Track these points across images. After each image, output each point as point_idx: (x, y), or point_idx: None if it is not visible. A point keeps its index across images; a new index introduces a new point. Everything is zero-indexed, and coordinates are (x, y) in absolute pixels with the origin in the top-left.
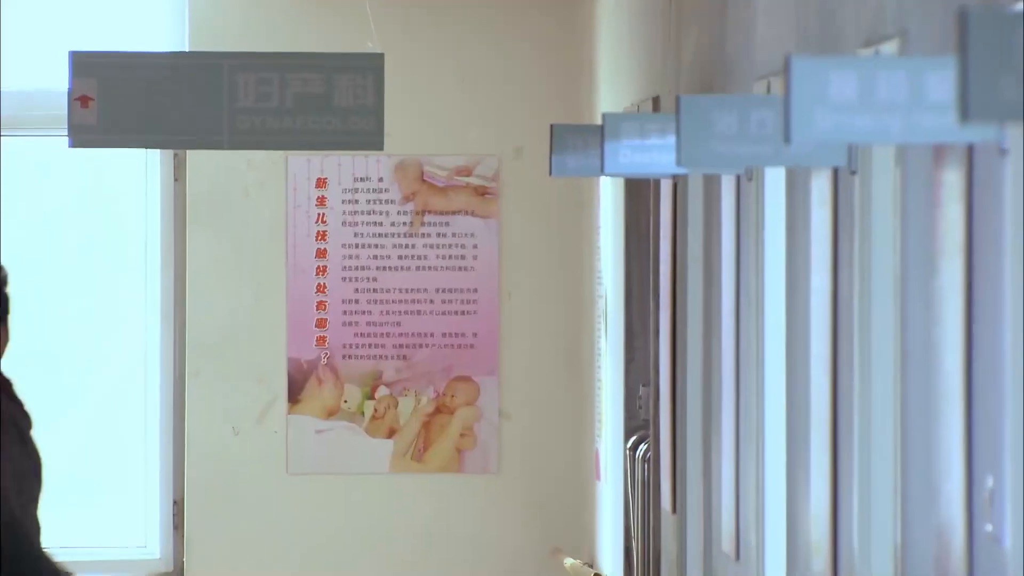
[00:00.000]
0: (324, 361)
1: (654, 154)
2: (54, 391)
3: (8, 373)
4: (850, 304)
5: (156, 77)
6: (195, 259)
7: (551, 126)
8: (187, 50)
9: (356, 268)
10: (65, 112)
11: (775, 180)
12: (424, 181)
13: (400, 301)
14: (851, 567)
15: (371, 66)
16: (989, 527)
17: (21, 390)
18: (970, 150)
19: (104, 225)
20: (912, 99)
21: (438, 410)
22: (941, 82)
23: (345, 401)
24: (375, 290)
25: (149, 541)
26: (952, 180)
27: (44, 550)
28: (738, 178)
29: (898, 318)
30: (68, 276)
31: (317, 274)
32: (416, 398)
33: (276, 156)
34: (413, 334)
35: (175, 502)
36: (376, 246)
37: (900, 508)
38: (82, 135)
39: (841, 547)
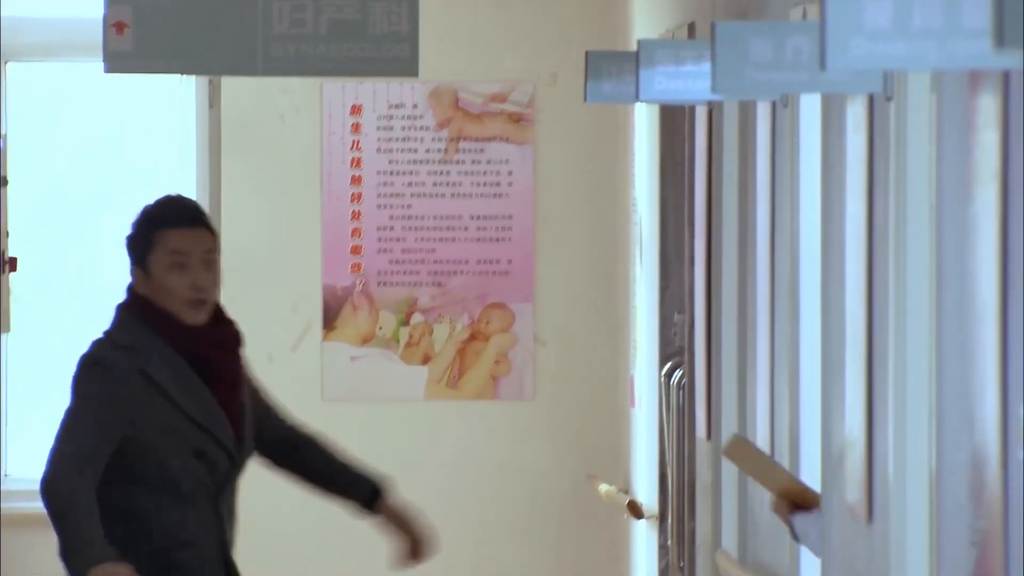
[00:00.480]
0: (359, 288)
1: (689, 81)
2: (88, 321)
3: (44, 299)
4: (885, 230)
5: (191, 3)
6: (229, 186)
7: (586, 53)
8: None
9: (391, 195)
10: (101, 39)
11: (810, 106)
12: (459, 108)
13: (435, 228)
14: (886, 493)
15: None
16: (1023, 454)
17: (57, 317)
18: (1006, 76)
19: (139, 152)
20: (947, 26)
21: (473, 337)
22: (977, 8)
23: (380, 328)
24: (410, 217)
25: None
26: (988, 106)
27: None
28: (773, 105)
29: (933, 244)
30: (103, 204)
31: (352, 201)
32: (451, 325)
33: (311, 83)
34: (448, 261)
35: None
36: (411, 173)
37: (935, 434)
38: (117, 61)
39: (876, 473)
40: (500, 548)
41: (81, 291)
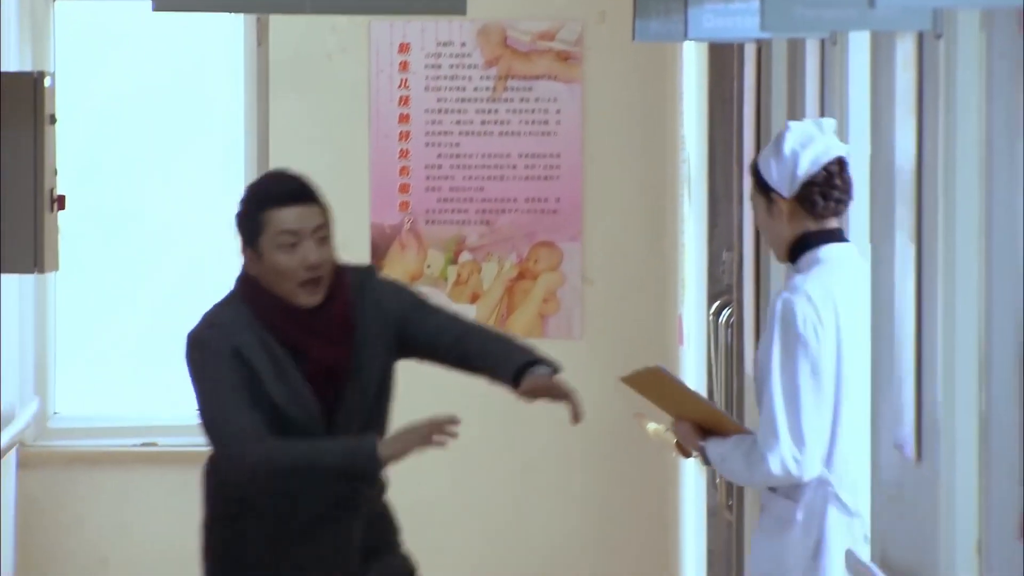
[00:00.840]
0: (407, 226)
1: (738, 19)
2: (136, 259)
3: (93, 237)
4: (934, 167)
5: None
6: (277, 125)
7: None
8: None
9: (439, 133)
10: None
11: (859, 44)
12: (507, 46)
13: (483, 166)
14: (935, 434)
15: None
16: None
17: (106, 256)
18: None
19: (187, 91)
20: None
21: (521, 275)
22: None
23: (428, 266)
24: (458, 155)
25: None
26: None
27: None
28: (822, 42)
29: (983, 183)
30: (151, 144)
31: (400, 139)
32: (499, 263)
33: (359, 21)
34: (496, 199)
35: None
36: (459, 111)
37: (984, 372)
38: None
39: (925, 411)
40: (546, 487)
41: (129, 229)
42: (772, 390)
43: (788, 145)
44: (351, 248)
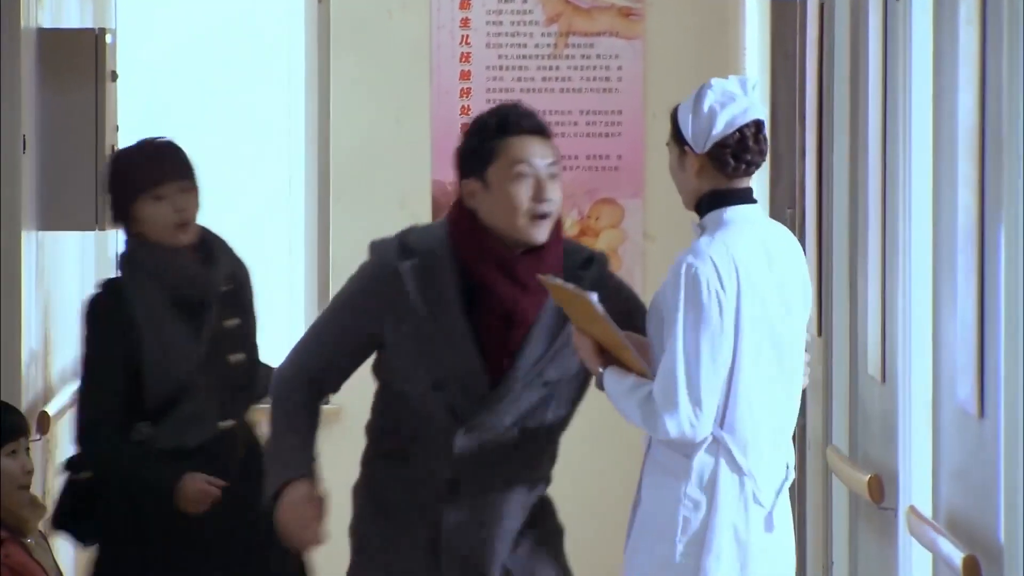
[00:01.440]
0: None
1: None
2: (201, 215)
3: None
4: (998, 123)
5: None
6: (339, 83)
7: None
8: None
9: (500, 90)
10: None
11: None
12: (568, 2)
13: None
14: (996, 392)
15: None
16: None
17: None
18: None
19: (248, 48)
20: None
21: (583, 232)
22: None
23: None
24: None
25: None
26: None
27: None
28: None
29: None
30: (213, 101)
31: (461, 96)
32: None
33: None
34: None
35: None
36: (520, 68)
37: None
38: None
39: (988, 372)
40: (598, 446)
41: None
42: (674, 353)
43: (707, 102)
44: (411, 206)
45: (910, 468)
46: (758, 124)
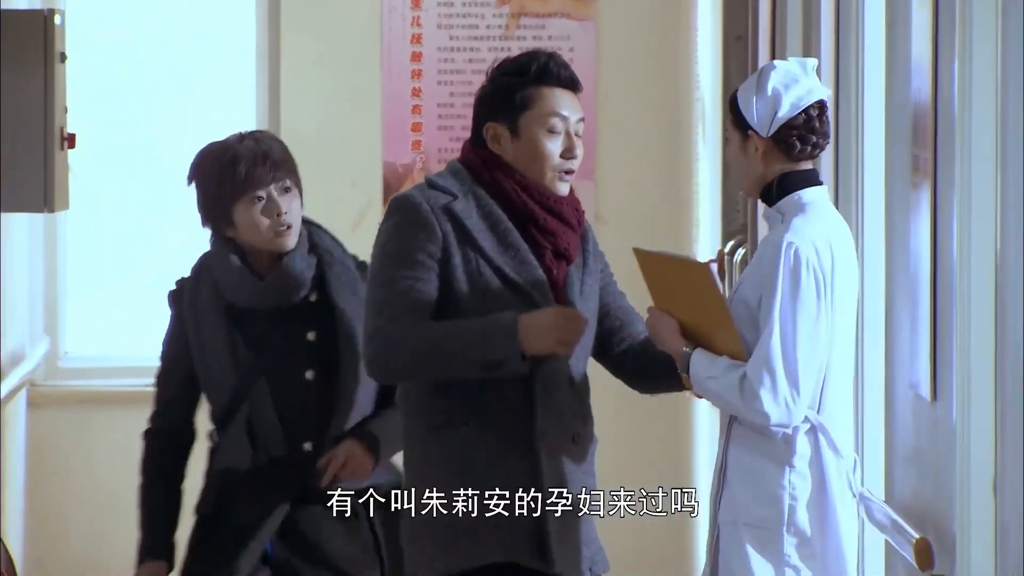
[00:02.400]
0: (419, 165)
1: None
2: (148, 198)
3: (103, 175)
4: (950, 107)
5: None
6: (289, 64)
7: None
8: None
9: (451, 71)
10: None
11: None
12: None
13: None
14: (949, 376)
15: None
16: None
17: (116, 194)
18: None
19: (198, 27)
20: None
21: None
22: None
23: None
24: (471, 94)
25: None
26: None
27: None
28: None
29: (998, 120)
30: (164, 83)
31: (412, 78)
32: None
33: None
34: None
35: None
36: (472, 49)
37: (999, 315)
38: None
39: (940, 355)
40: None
41: (140, 168)
42: (773, 334)
43: (771, 84)
44: (362, 186)
45: (863, 452)
46: (822, 104)
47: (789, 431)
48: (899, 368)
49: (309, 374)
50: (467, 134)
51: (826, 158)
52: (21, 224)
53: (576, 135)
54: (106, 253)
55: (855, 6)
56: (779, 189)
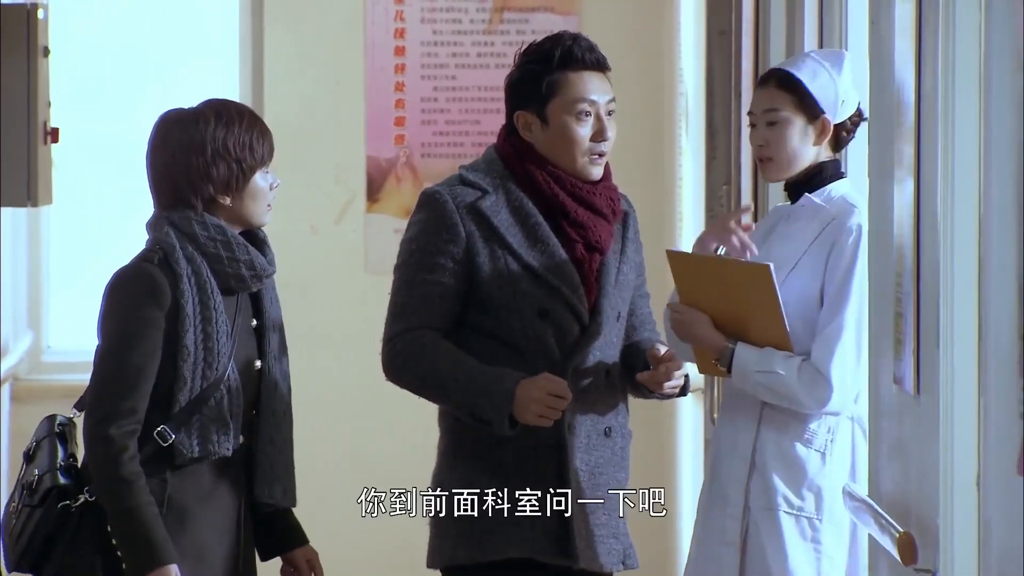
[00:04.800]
0: (403, 160)
1: None
2: (131, 192)
3: (86, 170)
4: (933, 100)
5: None
6: (272, 58)
7: None
8: None
9: (434, 66)
10: None
11: None
12: None
13: (479, 99)
14: (933, 370)
15: None
16: None
17: (100, 189)
18: None
19: (181, 21)
20: None
21: None
22: None
23: None
24: (454, 88)
25: None
26: None
27: None
28: None
29: (982, 113)
30: (147, 76)
31: (395, 72)
32: None
33: None
34: (492, 133)
35: None
36: (455, 43)
37: (983, 310)
38: None
39: (924, 350)
40: None
41: (124, 162)
42: (845, 320)
43: (849, 74)
44: (346, 181)
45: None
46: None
47: (833, 421)
48: (883, 362)
49: (258, 363)
50: (451, 128)
51: None
52: (4, 218)
53: (608, 115)
54: (89, 247)
55: (838, 0)
56: (829, 176)
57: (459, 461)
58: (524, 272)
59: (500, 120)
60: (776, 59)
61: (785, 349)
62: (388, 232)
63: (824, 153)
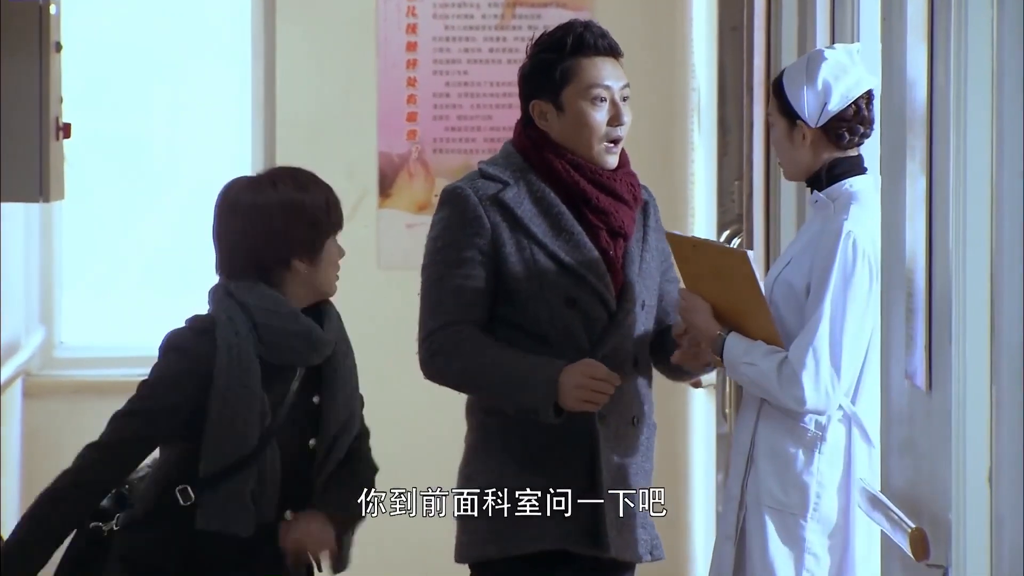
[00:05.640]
0: (415, 155)
1: None
2: (143, 187)
3: (98, 165)
4: (945, 96)
5: None
6: (284, 52)
7: None
8: None
9: (447, 61)
10: None
11: None
12: None
13: (491, 95)
14: (945, 365)
15: None
16: None
17: (112, 184)
18: None
19: (193, 16)
20: None
21: None
22: None
23: (436, 195)
24: (466, 83)
25: None
26: None
27: None
28: None
29: (994, 110)
30: (159, 73)
31: (407, 67)
32: None
33: None
34: (504, 128)
35: None
36: (467, 39)
37: (994, 306)
38: None
39: (936, 345)
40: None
41: (135, 157)
42: (821, 318)
43: (822, 76)
44: (358, 177)
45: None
46: (870, 94)
47: (823, 419)
48: (895, 358)
49: (312, 442)
50: (463, 123)
51: None
52: (17, 214)
53: (623, 101)
54: (101, 243)
55: None
56: (829, 176)
57: (489, 454)
58: (550, 262)
59: (512, 115)
60: (788, 55)
61: (774, 342)
62: (400, 227)
63: (828, 153)
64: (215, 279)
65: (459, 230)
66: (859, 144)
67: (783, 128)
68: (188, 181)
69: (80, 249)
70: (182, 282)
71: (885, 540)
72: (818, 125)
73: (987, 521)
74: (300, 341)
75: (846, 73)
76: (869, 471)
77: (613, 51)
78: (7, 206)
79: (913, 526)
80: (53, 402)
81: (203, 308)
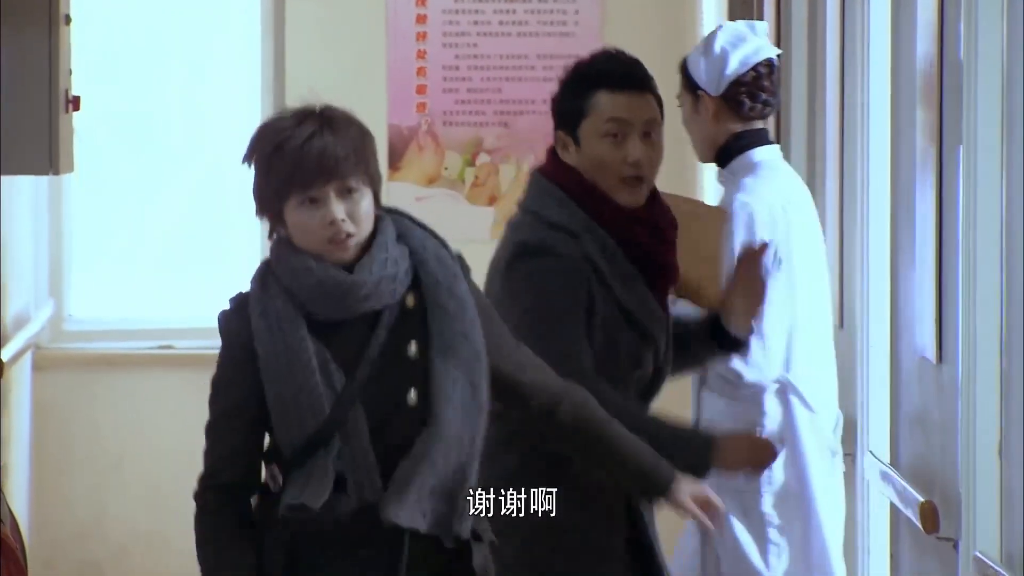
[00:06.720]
0: (424, 128)
1: None
2: (153, 160)
3: (107, 138)
4: (955, 71)
5: None
6: (294, 27)
7: None
8: None
9: (456, 34)
10: None
11: None
12: None
13: (501, 67)
14: (954, 338)
15: None
16: None
17: (121, 157)
18: None
19: None
20: None
21: None
22: None
23: (446, 168)
24: (476, 56)
25: None
26: None
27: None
28: None
29: (1004, 85)
30: (168, 46)
31: (417, 40)
32: (517, 165)
33: None
34: (514, 101)
35: None
36: (476, 11)
37: (1005, 278)
38: None
39: (946, 318)
40: None
41: (146, 131)
42: None
43: (718, 43)
44: None
45: (868, 414)
46: (770, 63)
47: (762, 392)
48: (904, 331)
49: (412, 396)
50: (472, 96)
51: (831, 121)
52: (26, 187)
53: (643, 137)
54: (111, 216)
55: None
56: (733, 149)
57: (530, 481)
58: (623, 318)
59: (522, 89)
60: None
61: (711, 291)
62: (410, 200)
63: (731, 125)
64: (223, 253)
65: (561, 287)
66: (764, 115)
67: (689, 104)
68: (199, 155)
69: (89, 222)
70: (193, 256)
71: (895, 512)
72: (719, 94)
73: (997, 494)
74: (323, 292)
75: (744, 41)
76: (812, 437)
77: (638, 83)
78: (16, 179)
79: (923, 499)
80: (62, 375)
81: (214, 284)
